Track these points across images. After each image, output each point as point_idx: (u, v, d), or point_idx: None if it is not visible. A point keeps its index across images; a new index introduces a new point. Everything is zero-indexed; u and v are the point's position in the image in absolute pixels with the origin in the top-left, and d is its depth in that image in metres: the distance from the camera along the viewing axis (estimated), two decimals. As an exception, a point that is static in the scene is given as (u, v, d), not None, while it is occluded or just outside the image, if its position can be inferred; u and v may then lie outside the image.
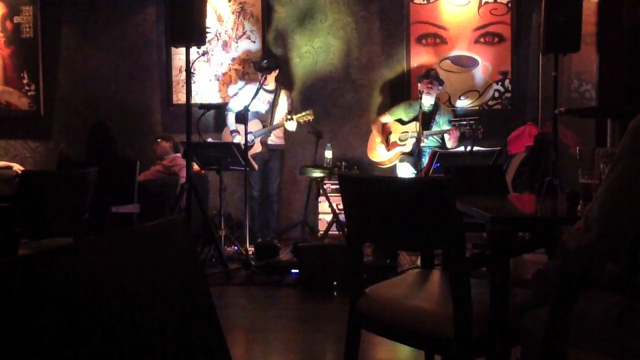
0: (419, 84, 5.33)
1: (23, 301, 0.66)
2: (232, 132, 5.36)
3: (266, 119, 5.35)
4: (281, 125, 5.24)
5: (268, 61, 5.31)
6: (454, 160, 4.71)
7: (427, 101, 5.22)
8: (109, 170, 4.32)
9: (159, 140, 5.59)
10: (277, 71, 5.42)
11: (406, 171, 5.24)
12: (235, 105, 5.42)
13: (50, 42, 6.25)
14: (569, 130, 4.96)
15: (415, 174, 5.10)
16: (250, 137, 5.19)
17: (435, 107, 5.34)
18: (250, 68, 5.97)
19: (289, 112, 5.27)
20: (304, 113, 5.16)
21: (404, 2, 5.93)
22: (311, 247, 4.15)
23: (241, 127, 4.86)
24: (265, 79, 5.20)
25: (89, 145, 4.49)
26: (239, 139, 5.12)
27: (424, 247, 2.06)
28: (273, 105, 5.37)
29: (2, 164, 5.57)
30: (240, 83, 6.03)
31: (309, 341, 3.07)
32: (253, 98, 4.90)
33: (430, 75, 5.26)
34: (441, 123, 5.29)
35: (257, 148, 5.30)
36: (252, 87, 5.43)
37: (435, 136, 5.26)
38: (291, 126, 5.21)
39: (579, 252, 1.27)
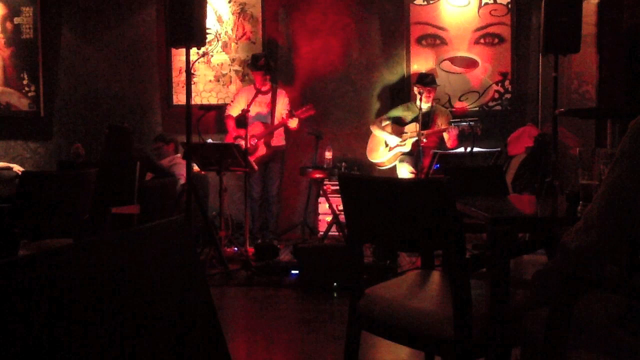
0: (416, 87, 5.31)
1: (23, 301, 0.66)
2: (235, 138, 5.35)
3: (267, 121, 5.35)
4: (283, 123, 5.22)
5: (266, 60, 5.30)
6: (454, 161, 4.71)
7: (425, 104, 5.21)
8: (110, 171, 4.34)
9: (160, 144, 5.56)
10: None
11: (406, 172, 5.24)
12: (233, 111, 5.44)
13: (50, 43, 6.25)
14: (569, 131, 4.96)
15: (415, 175, 5.10)
16: (253, 141, 5.19)
17: (433, 109, 5.34)
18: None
19: (290, 111, 5.26)
20: (304, 109, 5.16)
21: (404, 3, 5.93)
22: (311, 248, 4.15)
23: (242, 131, 4.87)
24: (266, 80, 5.20)
25: (107, 146, 4.57)
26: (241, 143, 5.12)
27: (423, 247, 2.06)
28: (271, 105, 5.37)
29: (2, 165, 5.58)
30: (237, 85, 6.03)
31: (309, 342, 3.06)
32: (252, 101, 4.90)
33: (427, 83, 5.24)
34: (440, 124, 5.29)
35: (262, 151, 5.29)
36: (247, 92, 5.43)
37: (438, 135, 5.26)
38: (292, 123, 5.21)
39: (579, 252, 1.27)
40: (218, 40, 6.10)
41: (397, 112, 5.44)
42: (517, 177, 4.73)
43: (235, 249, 4.89)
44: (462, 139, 5.04)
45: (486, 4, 5.86)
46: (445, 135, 5.11)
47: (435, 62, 5.91)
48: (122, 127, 4.72)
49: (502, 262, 1.61)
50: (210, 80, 6.13)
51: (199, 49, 5.06)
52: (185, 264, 0.96)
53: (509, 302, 1.58)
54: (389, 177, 4.94)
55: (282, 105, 5.39)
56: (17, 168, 5.53)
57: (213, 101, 6.09)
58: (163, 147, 5.52)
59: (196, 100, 6.01)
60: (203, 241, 4.72)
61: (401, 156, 5.33)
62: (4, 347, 0.63)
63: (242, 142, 4.98)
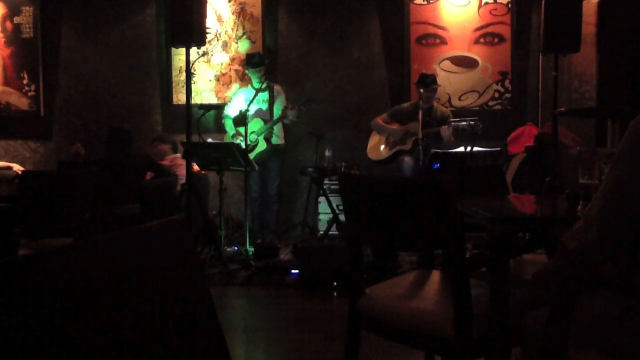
0: (418, 87, 5.29)
1: (23, 301, 0.66)
2: (232, 136, 5.36)
3: (266, 116, 5.35)
4: (283, 117, 5.22)
5: (261, 58, 5.32)
6: (454, 161, 4.71)
7: (425, 103, 5.20)
8: (110, 171, 4.35)
9: (155, 142, 5.59)
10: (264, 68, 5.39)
11: (406, 171, 5.24)
12: (231, 112, 5.45)
13: (50, 42, 6.25)
14: (569, 130, 4.96)
15: (415, 174, 5.09)
16: (253, 137, 5.20)
17: (434, 109, 5.33)
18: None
19: (286, 107, 5.26)
20: (304, 100, 5.18)
21: (404, 3, 5.93)
22: (311, 247, 4.15)
23: (242, 129, 4.88)
24: (266, 78, 5.20)
25: (108, 146, 4.58)
26: (240, 141, 5.13)
27: (423, 247, 2.06)
28: (270, 102, 5.39)
29: (2, 165, 5.58)
30: (235, 86, 6.03)
31: (309, 341, 3.06)
32: (252, 101, 4.90)
33: (427, 84, 5.22)
34: (438, 123, 5.28)
35: (262, 146, 5.31)
36: (245, 92, 5.44)
37: (434, 135, 5.25)
38: (292, 116, 5.22)
39: (579, 252, 1.27)
40: (218, 40, 6.10)
41: (397, 111, 5.42)
42: (517, 176, 4.73)
43: (235, 248, 4.89)
44: (462, 138, 5.04)
45: (486, 3, 5.86)
46: (443, 133, 5.08)
47: (435, 61, 5.91)
48: (123, 128, 4.73)
49: (502, 262, 1.61)
50: (210, 80, 6.13)
51: (199, 48, 5.06)
52: (185, 264, 0.96)
53: (509, 302, 1.58)
54: (389, 177, 4.93)
55: (280, 101, 5.40)
56: (17, 167, 5.52)
57: (213, 101, 6.09)
58: (158, 146, 5.53)
59: (196, 100, 6.01)
60: (203, 241, 4.72)
61: (401, 155, 5.32)
62: (4, 347, 0.63)
63: (241, 140, 4.98)
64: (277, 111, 5.33)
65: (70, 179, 3.36)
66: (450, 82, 5.89)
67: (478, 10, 5.87)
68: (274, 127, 5.35)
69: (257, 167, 4.96)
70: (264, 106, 5.39)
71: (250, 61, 5.33)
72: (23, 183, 3.30)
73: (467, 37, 5.88)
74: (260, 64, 5.27)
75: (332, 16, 6.01)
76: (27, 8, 6.21)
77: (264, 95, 5.38)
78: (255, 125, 5.26)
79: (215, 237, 4.55)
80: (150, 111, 6.23)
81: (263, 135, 5.30)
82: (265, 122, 5.31)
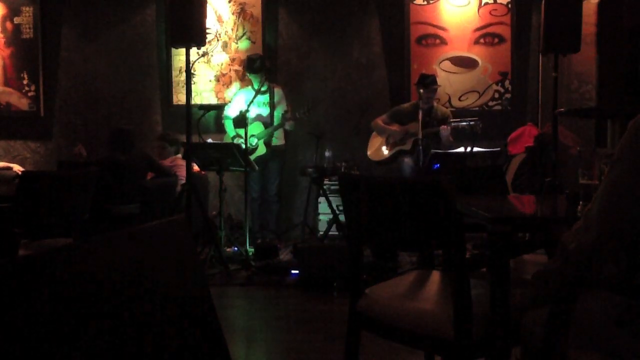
0: (418, 88, 5.29)
1: (23, 301, 0.66)
2: (232, 138, 5.36)
3: (267, 120, 5.35)
4: (282, 125, 5.24)
5: (262, 62, 5.32)
6: (454, 161, 4.71)
7: (426, 103, 5.20)
8: (110, 171, 4.35)
9: (162, 143, 5.57)
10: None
11: (406, 171, 5.24)
12: (231, 112, 5.44)
13: (50, 42, 6.25)
14: (569, 130, 4.96)
15: (415, 174, 5.09)
16: (253, 140, 5.20)
17: (434, 109, 5.33)
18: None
19: (286, 112, 5.26)
20: (304, 109, 5.17)
21: (404, 3, 5.93)
22: (311, 248, 4.15)
23: (242, 131, 4.88)
24: (266, 79, 5.20)
25: (109, 146, 4.61)
26: (240, 142, 5.13)
27: (423, 247, 2.06)
28: (270, 105, 5.38)
29: (2, 165, 5.58)
30: (235, 86, 6.03)
31: (309, 341, 3.06)
32: (251, 102, 4.90)
33: (427, 84, 5.22)
34: (439, 124, 5.27)
35: (262, 150, 5.31)
36: (245, 93, 5.44)
37: (434, 134, 5.25)
38: (290, 126, 5.24)
39: (579, 252, 1.27)
40: (218, 40, 6.10)
41: (397, 111, 5.43)
42: (517, 177, 4.73)
43: (235, 248, 4.89)
44: (462, 139, 5.04)
45: (486, 3, 5.86)
46: (442, 132, 5.08)
47: (435, 62, 5.91)
48: (124, 128, 4.74)
49: (502, 262, 1.61)
50: (210, 80, 6.13)
51: (199, 48, 5.07)
52: (185, 264, 0.96)
53: (509, 302, 1.58)
54: (389, 177, 4.92)
55: (281, 107, 5.39)
56: (17, 168, 5.53)
57: (213, 101, 6.09)
58: (167, 148, 5.53)
59: (196, 100, 6.01)
60: (203, 241, 4.72)
61: (401, 155, 5.32)
62: (4, 347, 0.63)
63: (242, 142, 4.98)
64: (277, 115, 5.33)
65: (70, 179, 3.36)
66: (450, 82, 5.89)
67: (478, 11, 5.87)
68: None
69: (257, 168, 4.96)
70: (265, 111, 5.37)
71: (251, 66, 5.31)
72: (23, 183, 3.29)
73: (467, 37, 5.88)
74: (261, 69, 5.25)
75: (332, 16, 6.01)
76: (27, 8, 6.21)
77: (265, 98, 5.37)
78: (255, 129, 5.26)
79: (215, 237, 4.55)
80: (150, 111, 6.23)
81: (263, 140, 5.30)
82: (265, 125, 5.31)
